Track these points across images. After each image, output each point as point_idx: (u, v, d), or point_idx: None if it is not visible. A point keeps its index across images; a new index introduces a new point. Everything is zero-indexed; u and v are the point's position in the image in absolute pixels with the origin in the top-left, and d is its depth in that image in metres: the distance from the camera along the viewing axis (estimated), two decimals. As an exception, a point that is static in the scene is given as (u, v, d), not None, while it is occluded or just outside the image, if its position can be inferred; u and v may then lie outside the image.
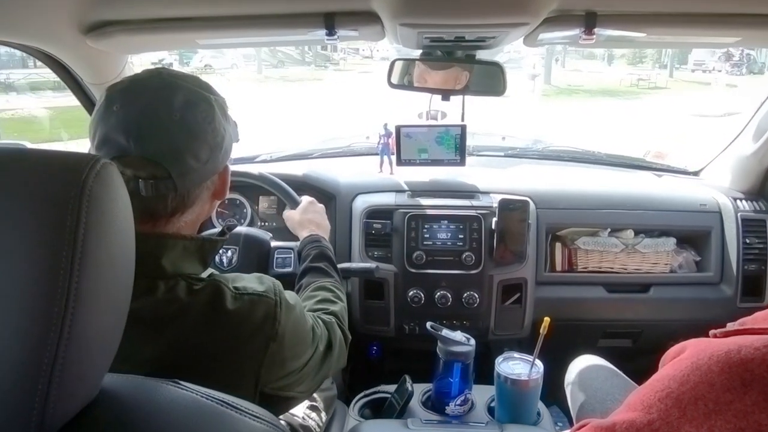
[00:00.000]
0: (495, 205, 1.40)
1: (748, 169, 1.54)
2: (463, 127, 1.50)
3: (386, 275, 1.40)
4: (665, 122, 10.60)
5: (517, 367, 0.97)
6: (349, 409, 1.07)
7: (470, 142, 1.59)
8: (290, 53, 23.52)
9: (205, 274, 0.68)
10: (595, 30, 0.96)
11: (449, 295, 1.38)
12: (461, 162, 1.53)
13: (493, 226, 1.38)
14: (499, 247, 1.37)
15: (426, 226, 1.40)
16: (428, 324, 1.03)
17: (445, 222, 1.41)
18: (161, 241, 0.64)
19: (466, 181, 1.56)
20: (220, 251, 1.14)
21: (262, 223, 1.54)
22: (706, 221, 1.49)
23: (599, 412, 0.96)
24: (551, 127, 9.79)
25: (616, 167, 1.83)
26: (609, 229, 1.49)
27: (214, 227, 1.39)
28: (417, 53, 1.30)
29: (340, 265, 1.10)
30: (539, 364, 0.97)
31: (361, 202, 1.47)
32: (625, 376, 1.07)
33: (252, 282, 0.70)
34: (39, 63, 1.14)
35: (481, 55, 1.28)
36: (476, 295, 1.38)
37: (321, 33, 1.00)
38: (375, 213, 1.43)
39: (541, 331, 0.93)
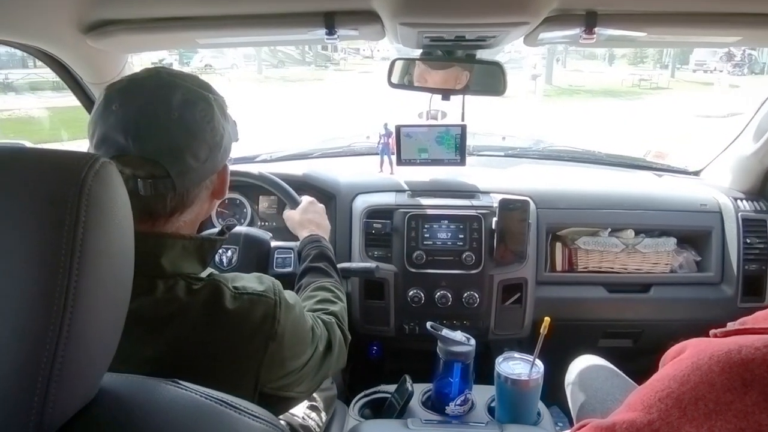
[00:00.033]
0: (495, 204, 1.39)
1: (748, 169, 1.54)
2: (464, 127, 1.50)
3: (386, 275, 1.40)
4: (669, 123, 10.57)
5: (518, 367, 0.97)
6: (349, 409, 1.06)
7: (470, 141, 1.59)
8: (290, 53, 23.52)
9: (204, 274, 0.68)
10: (596, 29, 0.95)
11: (449, 295, 1.38)
12: (461, 162, 1.53)
13: (493, 226, 1.38)
14: (499, 247, 1.37)
15: (426, 226, 1.40)
16: (428, 324, 1.03)
17: (446, 222, 1.40)
18: (160, 240, 0.64)
19: (466, 180, 1.56)
20: (220, 251, 1.14)
21: (262, 223, 1.54)
22: (706, 221, 1.49)
23: (599, 412, 0.96)
24: (553, 127, 9.78)
25: (616, 167, 1.83)
26: (609, 229, 1.49)
27: (214, 227, 1.39)
28: (417, 53, 1.29)
29: (340, 265, 1.10)
30: (539, 364, 0.97)
31: (361, 202, 1.46)
32: (625, 376, 1.07)
33: (251, 282, 0.70)
34: (39, 63, 1.14)
35: (482, 54, 1.28)
36: (476, 295, 1.38)
37: (321, 32, 1.00)
38: (375, 213, 1.43)
39: (541, 331, 0.93)
